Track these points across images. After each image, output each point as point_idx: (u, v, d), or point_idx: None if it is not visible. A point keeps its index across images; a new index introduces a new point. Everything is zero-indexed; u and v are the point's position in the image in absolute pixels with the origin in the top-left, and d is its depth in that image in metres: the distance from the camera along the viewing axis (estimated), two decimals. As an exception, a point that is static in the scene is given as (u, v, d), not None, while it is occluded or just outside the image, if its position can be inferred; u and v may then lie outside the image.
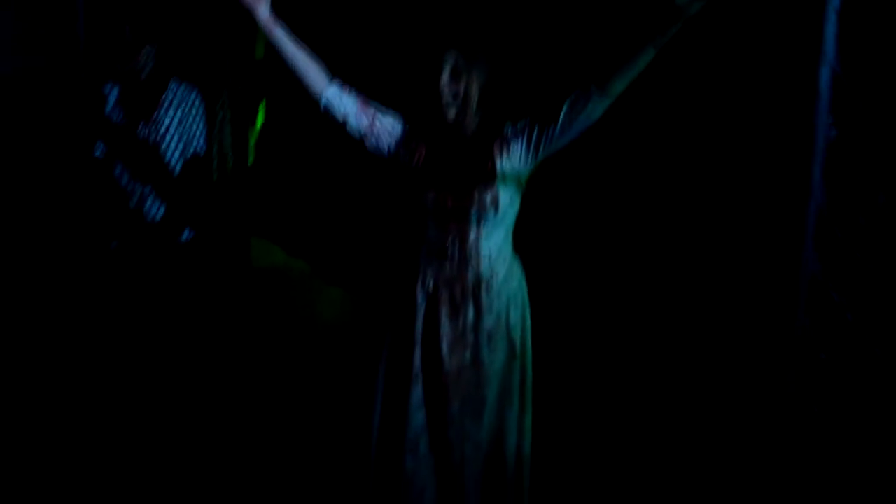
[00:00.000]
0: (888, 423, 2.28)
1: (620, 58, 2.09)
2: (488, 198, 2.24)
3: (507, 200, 2.26)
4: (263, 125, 5.59)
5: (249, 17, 2.18)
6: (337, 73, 2.33)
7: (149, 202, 3.08)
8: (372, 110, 2.32)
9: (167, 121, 3.06)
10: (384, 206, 4.15)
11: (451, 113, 2.23)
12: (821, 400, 2.31)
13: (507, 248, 2.36)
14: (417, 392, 2.36)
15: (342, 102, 2.29)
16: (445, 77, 2.21)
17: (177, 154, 3.09)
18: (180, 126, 3.08)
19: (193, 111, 3.12)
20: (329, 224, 5.07)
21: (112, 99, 3.05)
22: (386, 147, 2.33)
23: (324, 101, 2.28)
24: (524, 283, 2.42)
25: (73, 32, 2.51)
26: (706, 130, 3.19)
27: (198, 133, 3.14)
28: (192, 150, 3.12)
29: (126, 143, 3.04)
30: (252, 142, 5.48)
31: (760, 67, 2.97)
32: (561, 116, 2.18)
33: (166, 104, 3.07)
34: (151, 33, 3.01)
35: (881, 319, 2.24)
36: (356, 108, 2.30)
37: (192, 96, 3.12)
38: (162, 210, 3.10)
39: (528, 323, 2.43)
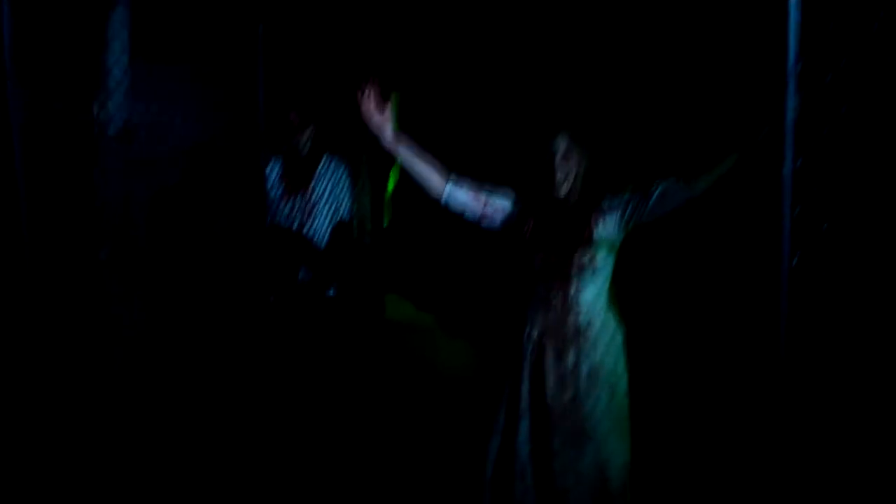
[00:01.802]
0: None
1: (710, 162, 2.45)
2: (586, 258, 2.65)
3: (602, 261, 2.66)
4: (395, 188, 6.14)
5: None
6: (458, 161, 2.80)
7: (302, 262, 3.61)
8: (483, 196, 2.76)
9: (319, 191, 3.60)
10: (498, 268, 4.54)
11: (562, 189, 2.68)
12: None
13: (602, 300, 2.72)
14: (524, 427, 2.72)
15: (457, 199, 2.75)
16: (559, 159, 2.66)
17: (326, 221, 3.61)
18: (330, 196, 3.61)
19: (341, 182, 3.65)
20: (454, 283, 5.53)
21: (277, 172, 3.61)
22: (499, 223, 2.78)
23: (443, 200, 2.75)
24: (620, 332, 2.76)
25: (254, 115, 3.06)
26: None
27: (344, 201, 3.66)
28: (338, 217, 3.64)
29: (286, 210, 3.60)
30: (387, 204, 6.04)
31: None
32: (652, 200, 2.58)
33: (319, 176, 3.61)
34: (312, 116, 3.60)
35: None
36: (469, 200, 2.75)
37: (341, 170, 3.65)
38: (312, 271, 3.62)
39: (623, 367, 2.76)
